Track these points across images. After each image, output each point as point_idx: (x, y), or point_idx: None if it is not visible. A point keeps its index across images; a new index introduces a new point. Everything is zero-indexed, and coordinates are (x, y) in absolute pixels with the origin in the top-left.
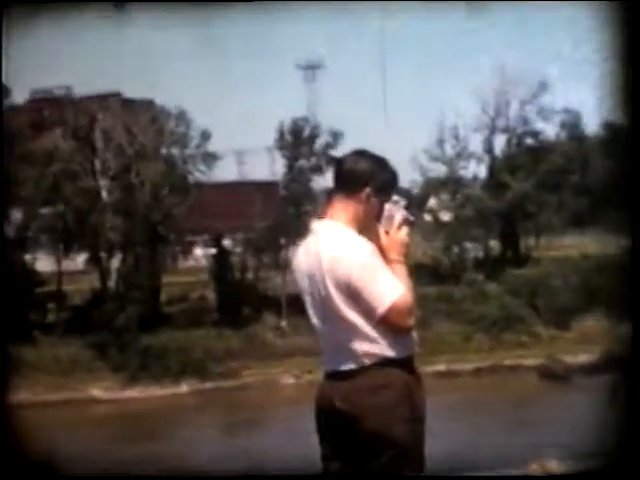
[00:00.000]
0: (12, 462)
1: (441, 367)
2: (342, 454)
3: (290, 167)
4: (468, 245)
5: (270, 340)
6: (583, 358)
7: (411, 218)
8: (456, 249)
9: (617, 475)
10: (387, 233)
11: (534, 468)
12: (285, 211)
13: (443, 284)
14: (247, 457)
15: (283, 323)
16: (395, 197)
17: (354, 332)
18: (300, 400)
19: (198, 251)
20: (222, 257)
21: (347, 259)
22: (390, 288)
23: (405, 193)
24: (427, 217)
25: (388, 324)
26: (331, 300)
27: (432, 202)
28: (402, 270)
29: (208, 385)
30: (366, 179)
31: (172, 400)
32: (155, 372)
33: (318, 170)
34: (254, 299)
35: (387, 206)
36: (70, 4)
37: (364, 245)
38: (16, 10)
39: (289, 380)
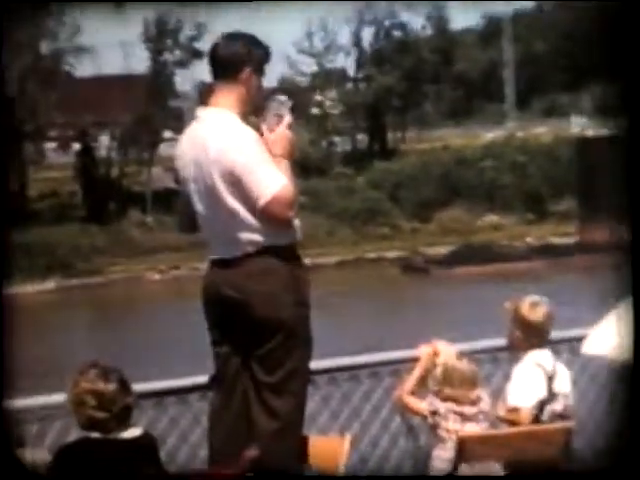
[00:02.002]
0: None
1: (306, 261)
2: (232, 339)
3: (154, 60)
4: (336, 139)
5: (136, 236)
6: (443, 250)
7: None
8: (324, 143)
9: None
10: (272, 130)
11: (423, 347)
12: (151, 105)
13: (310, 178)
14: (114, 351)
15: (149, 219)
16: (281, 97)
17: (238, 220)
18: (166, 295)
19: (77, 146)
20: (87, 153)
21: (232, 148)
22: (272, 179)
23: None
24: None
25: (268, 215)
26: (216, 188)
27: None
28: (285, 164)
29: (74, 282)
30: (243, 59)
31: (38, 297)
32: (21, 269)
33: (182, 64)
34: (119, 195)
35: (272, 104)
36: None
37: (249, 134)
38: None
39: (155, 276)
